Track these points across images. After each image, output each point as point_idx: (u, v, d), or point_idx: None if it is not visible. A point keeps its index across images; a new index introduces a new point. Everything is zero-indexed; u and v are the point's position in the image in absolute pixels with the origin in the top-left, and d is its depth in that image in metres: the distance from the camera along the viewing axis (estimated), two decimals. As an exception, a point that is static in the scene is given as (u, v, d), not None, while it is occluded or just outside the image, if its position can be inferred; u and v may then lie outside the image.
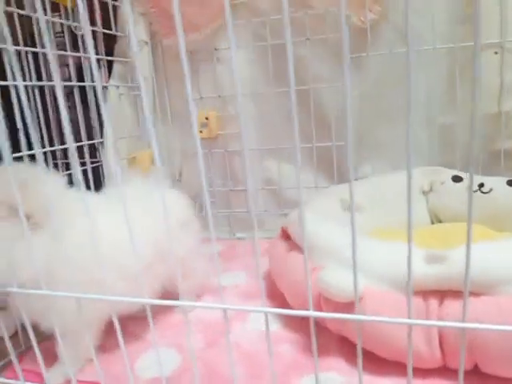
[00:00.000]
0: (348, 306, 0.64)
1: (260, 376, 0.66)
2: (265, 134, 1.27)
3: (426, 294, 0.62)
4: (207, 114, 1.23)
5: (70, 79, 1.04)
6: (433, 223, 1.09)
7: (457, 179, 1.05)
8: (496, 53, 1.06)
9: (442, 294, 0.62)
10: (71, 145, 0.48)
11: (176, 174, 1.31)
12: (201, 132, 1.24)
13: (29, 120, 0.48)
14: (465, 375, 0.59)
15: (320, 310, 0.69)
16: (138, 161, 1.08)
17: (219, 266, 0.53)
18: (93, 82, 1.10)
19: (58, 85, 0.46)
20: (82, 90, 1.05)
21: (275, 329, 0.79)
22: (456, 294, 0.61)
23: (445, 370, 0.63)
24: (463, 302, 0.47)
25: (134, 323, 0.85)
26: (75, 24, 1.00)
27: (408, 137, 0.42)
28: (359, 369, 0.51)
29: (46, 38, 0.46)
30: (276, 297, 0.87)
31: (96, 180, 1.07)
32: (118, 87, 1.11)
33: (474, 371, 0.61)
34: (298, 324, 0.79)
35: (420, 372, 0.62)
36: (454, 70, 1.09)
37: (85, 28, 0.49)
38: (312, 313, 0.52)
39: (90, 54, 0.46)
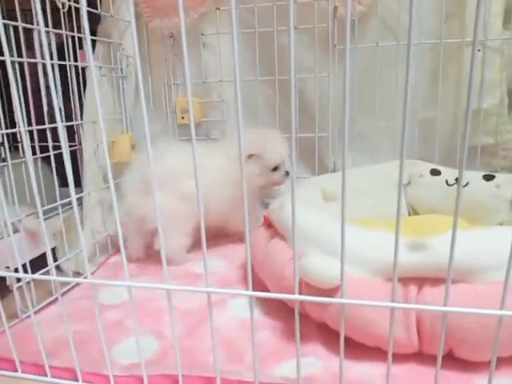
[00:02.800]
0: (329, 292, 0.65)
1: (239, 361, 0.66)
2: (248, 122, 1.26)
3: (405, 280, 0.63)
4: (190, 100, 1.21)
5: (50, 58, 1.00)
6: (410, 215, 1.11)
7: (435, 173, 1.07)
8: (479, 50, 1.07)
9: (421, 281, 0.63)
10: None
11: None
12: (183, 118, 1.22)
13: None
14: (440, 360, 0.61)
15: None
16: (117, 145, 1.06)
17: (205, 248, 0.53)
18: (75, 61, 1.07)
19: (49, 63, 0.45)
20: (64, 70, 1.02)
21: (255, 316, 0.79)
22: (434, 281, 0.62)
23: (421, 356, 0.64)
24: (446, 286, 0.48)
25: (113, 311, 0.84)
26: None
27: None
28: (341, 350, 0.52)
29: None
30: (256, 285, 0.87)
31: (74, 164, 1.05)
32: (100, 68, 1.08)
33: (449, 356, 0.63)
34: (278, 311, 0.79)
35: (397, 357, 0.63)
36: (437, 65, 1.10)
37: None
38: (298, 296, 0.52)
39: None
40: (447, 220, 1.00)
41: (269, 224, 0.87)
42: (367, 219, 0.94)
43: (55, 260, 1.01)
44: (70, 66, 1.03)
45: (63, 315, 0.63)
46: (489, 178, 0.99)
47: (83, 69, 1.10)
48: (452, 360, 0.63)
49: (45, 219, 1.05)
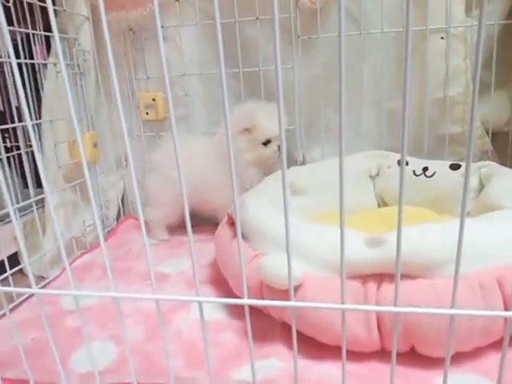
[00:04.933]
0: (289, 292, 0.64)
1: (200, 365, 0.65)
2: (214, 116, 1.23)
3: (365, 278, 0.62)
4: (154, 95, 1.18)
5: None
6: (379, 207, 1.10)
7: (403, 163, 1.06)
8: (442, 38, 1.06)
9: (381, 277, 0.62)
10: None
11: (122, 157, 1.26)
12: (147, 114, 1.19)
13: None
14: (402, 357, 0.60)
15: (262, 297, 0.68)
16: (77, 144, 1.02)
17: (150, 254, 0.51)
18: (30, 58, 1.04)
19: None
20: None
21: (220, 317, 0.78)
22: (394, 277, 0.61)
23: (383, 354, 0.63)
24: (395, 285, 0.47)
25: (73, 317, 0.81)
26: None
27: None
28: (294, 353, 0.51)
29: None
30: (222, 284, 0.86)
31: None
32: (55, 65, 1.04)
33: (412, 353, 0.62)
34: (243, 312, 0.77)
35: (359, 356, 0.63)
36: (402, 54, 1.09)
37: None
38: (247, 301, 0.51)
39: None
40: (418, 211, 1.00)
41: (232, 222, 0.85)
42: (332, 213, 0.93)
43: (18, 263, 0.98)
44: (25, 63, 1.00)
45: (11, 328, 0.61)
46: (455, 167, 0.99)
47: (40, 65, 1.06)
48: (415, 356, 0.62)
49: (5, 223, 1.03)
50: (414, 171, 1.04)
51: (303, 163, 1.20)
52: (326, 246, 0.65)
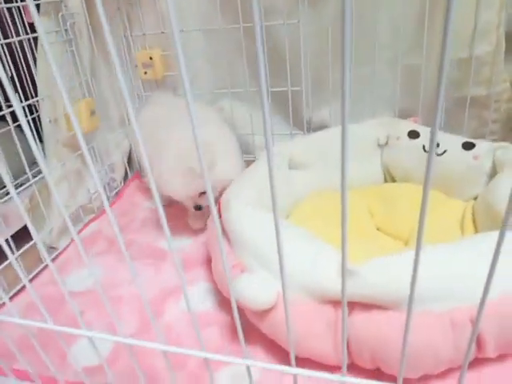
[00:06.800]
0: (262, 313, 0.66)
1: (182, 366, 0.70)
2: (218, 72, 1.16)
3: (336, 303, 0.63)
4: (151, 53, 1.11)
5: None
6: (386, 180, 1.05)
7: (413, 135, 0.99)
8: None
9: (352, 305, 0.62)
10: None
11: (125, 116, 1.23)
12: (145, 73, 1.13)
13: None
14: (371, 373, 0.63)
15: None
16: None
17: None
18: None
19: None
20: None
21: (207, 307, 0.82)
22: (365, 306, 0.61)
23: (352, 367, 0.66)
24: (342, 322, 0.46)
25: (76, 300, 0.86)
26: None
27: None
28: None
29: None
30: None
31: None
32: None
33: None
34: (229, 305, 0.80)
35: (329, 367, 0.66)
36: (424, 6, 0.95)
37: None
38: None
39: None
40: (419, 192, 0.95)
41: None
42: (331, 194, 0.91)
43: (29, 235, 1.03)
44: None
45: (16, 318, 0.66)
46: (468, 146, 0.91)
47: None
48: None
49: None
50: (423, 146, 0.96)
51: (309, 127, 1.14)
52: (300, 267, 0.64)
